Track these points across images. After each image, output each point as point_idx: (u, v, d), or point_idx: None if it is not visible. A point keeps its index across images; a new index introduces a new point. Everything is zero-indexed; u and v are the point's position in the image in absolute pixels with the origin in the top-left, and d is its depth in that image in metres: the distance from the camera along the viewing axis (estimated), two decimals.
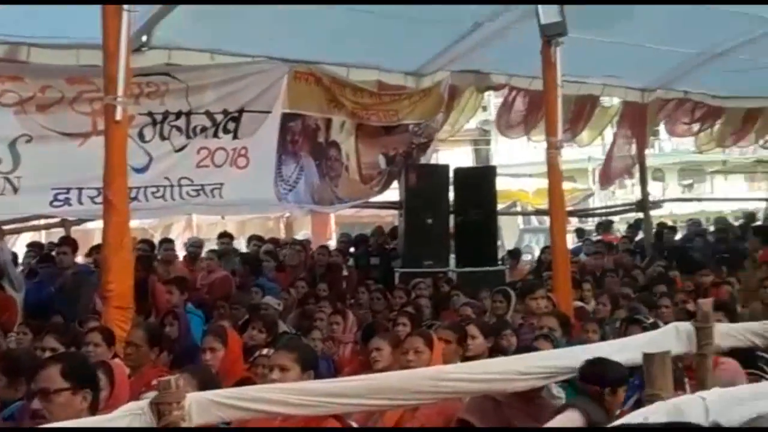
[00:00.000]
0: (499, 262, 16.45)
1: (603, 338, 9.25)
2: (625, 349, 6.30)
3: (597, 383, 5.99)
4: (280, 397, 5.38)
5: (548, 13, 9.83)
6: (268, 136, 13.39)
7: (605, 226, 22.65)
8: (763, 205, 30.47)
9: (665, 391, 4.91)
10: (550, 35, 9.90)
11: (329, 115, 14.14)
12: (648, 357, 5.10)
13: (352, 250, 17.30)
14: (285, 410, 5.47)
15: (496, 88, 16.11)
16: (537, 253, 20.81)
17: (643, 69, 16.46)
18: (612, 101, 18.44)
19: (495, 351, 8.20)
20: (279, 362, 6.03)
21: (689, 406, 4.58)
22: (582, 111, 16.98)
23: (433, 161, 17.87)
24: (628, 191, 34.60)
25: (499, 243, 19.75)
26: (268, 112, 13.27)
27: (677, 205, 33.73)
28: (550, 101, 10.38)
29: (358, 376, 6.15)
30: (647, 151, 20.29)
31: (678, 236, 21.46)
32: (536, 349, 7.42)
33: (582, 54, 13.29)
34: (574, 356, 6.36)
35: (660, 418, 4.37)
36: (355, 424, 6.05)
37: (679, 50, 15.95)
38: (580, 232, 22.76)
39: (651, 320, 8.43)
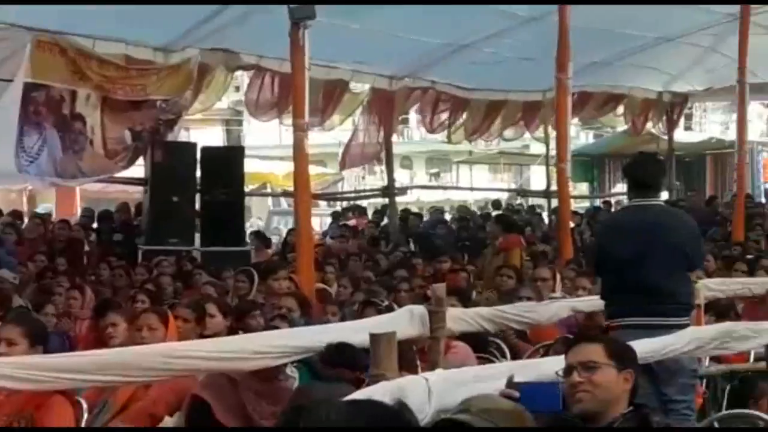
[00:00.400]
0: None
1: (343, 320, 9.35)
2: (360, 331, 6.37)
3: (350, 367, 6.00)
4: (4, 372, 5.25)
5: None
6: (10, 106, 12.95)
7: (360, 211, 22.90)
8: (505, 195, 31.48)
9: (390, 371, 5.00)
10: (299, 18, 9.91)
11: (74, 86, 13.76)
12: (374, 337, 5.18)
13: (96, 225, 16.99)
14: (10, 385, 5.35)
15: (246, 68, 16.05)
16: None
17: (392, 57, 16.70)
18: (363, 87, 18.61)
19: (244, 331, 8.15)
20: (6, 336, 5.87)
21: (413, 386, 4.70)
22: (331, 96, 17.08)
23: (184, 140, 17.70)
24: (377, 177, 35.08)
25: (249, 224, 19.79)
26: (10, 80, 12.84)
27: (425, 192, 34.39)
28: (297, 84, 10.38)
29: (87, 351, 6.06)
30: (396, 139, 20.60)
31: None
32: (274, 329, 7.44)
33: (332, 39, 13.42)
34: (309, 337, 6.41)
35: (383, 398, 4.45)
36: (83, 401, 5.94)
37: (427, 40, 16.26)
38: (335, 216, 22.93)
39: (386, 303, 8.56)
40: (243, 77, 21.26)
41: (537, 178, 33.83)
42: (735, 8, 15.07)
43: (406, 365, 6.38)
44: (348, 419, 2.15)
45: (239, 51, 15.11)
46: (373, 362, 5.12)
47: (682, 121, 27.12)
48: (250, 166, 20.67)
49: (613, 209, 24.90)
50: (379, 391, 4.56)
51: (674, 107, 23.46)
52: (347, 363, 5.96)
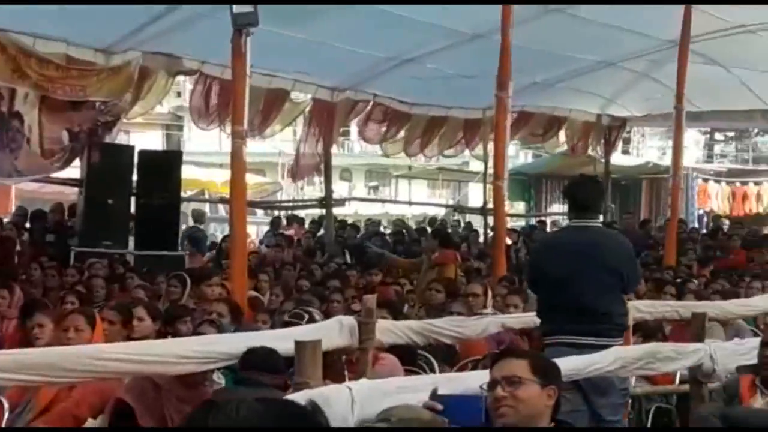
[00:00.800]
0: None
1: (273, 328, 9.32)
2: (289, 339, 6.36)
3: (269, 371, 5.98)
4: None
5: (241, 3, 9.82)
6: None
7: (298, 221, 22.86)
8: (443, 210, 31.56)
9: (314, 379, 5.00)
10: (241, 24, 9.88)
11: (13, 84, 13.63)
12: (300, 345, 5.18)
13: (29, 225, 16.83)
14: None
15: (188, 73, 15.99)
16: None
17: (334, 68, 16.70)
18: (306, 97, 18.57)
19: (173, 336, 8.09)
20: None
21: (336, 395, 4.69)
22: (272, 105, 17.04)
23: (123, 143, 17.60)
24: (316, 188, 35.03)
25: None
26: None
27: (363, 205, 34.40)
28: (237, 91, 10.33)
29: (11, 350, 5.99)
30: (337, 151, 20.57)
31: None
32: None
33: (275, 48, 13.41)
34: (236, 343, 6.38)
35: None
36: (5, 400, 5.87)
37: (370, 53, 16.29)
38: (275, 224, 22.84)
39: (306, 318, 8.44)
40: (185, 83, 21.18)
41: (475, 195, 33.92)
42: (674, 35, 15.19)
43: (334, 375, 6.38)
44: (258, 416, 2.12)
45: (181, 56, 15.05)
46: (298, 370, 5.12)
47: (620, 144, 27.33)
48: (189, 172, 20.59)
49: (548, 229, 25.08)
50: (303, 399, 4.55)
51: (612, 131, 23.64)
52: (266, 367, 5.93)
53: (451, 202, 37.56)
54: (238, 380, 6.19)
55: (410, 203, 34.55)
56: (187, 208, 22.71)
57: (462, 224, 25.76)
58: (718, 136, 46.16)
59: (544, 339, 7.33)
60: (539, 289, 7.62)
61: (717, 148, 46.15)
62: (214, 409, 2.13)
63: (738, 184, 32.41)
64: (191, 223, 21.02)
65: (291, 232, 20.79)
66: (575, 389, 6.82)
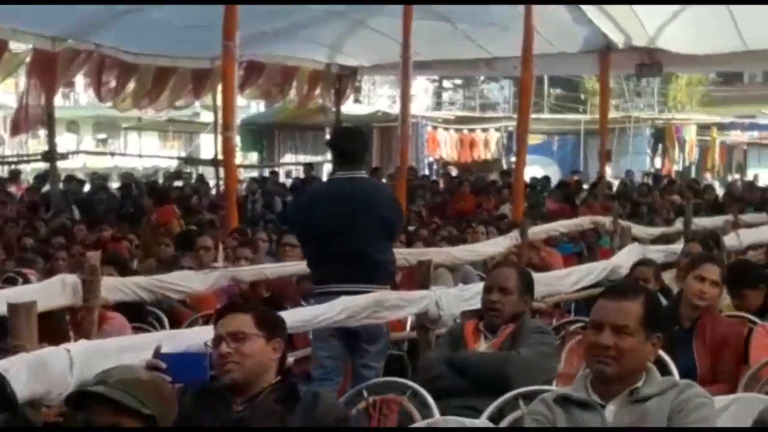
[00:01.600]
0: None
1: None
2: (4, 301, 6.11)
3: None
4: None
5: None
6: None
7: (13, 176, 22.20)
8: (174, 163, 31.19)
9: (30, 342, 4.82)
10: None
11: None
12: (12, 308, 4.97)
13: None
14: None
15: None
16: None
17: (54, 17, 16.08)
18: (26, 47, 17.90)
19: None
20: None
21: (54, 358, 4.54)
22: None
23: None
24: (41, 141, 34.00)
25: None
26: None
27: (92, 158, 33.63)
28: None
29: None
30: (63, 103, 19.96)
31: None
32: None
33: None
34: None
35: (23, 370, 4.30)
36: None
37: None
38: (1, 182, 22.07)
39: (21, 281, 8.12)
40: None
41: (207, 146, 33.65)
42: None
43: (58, 336, 6.17)
44: None
45: None
46: (12, 333, 4.91)
47: (351, 93, 27.56)
48: None
49: (281, 179, 25.18)
50: (18, 363, 4.38)
51: (343, 80, 23.80)
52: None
53: (182, 154, 37.13)
54: None
55: (141, 156, 33.98)
56: None
57: (194, 176, 25.57)
58: (446, 84, 47.24)
59: (316, 288, 7.43)
60: (309, 239, 7.65)
61: (445, 96, 47.25)
62: None
63: (466, 131, 33.30)
64: None
65: (13, 188, 20.15)
66: (338, 336, 7.03)
